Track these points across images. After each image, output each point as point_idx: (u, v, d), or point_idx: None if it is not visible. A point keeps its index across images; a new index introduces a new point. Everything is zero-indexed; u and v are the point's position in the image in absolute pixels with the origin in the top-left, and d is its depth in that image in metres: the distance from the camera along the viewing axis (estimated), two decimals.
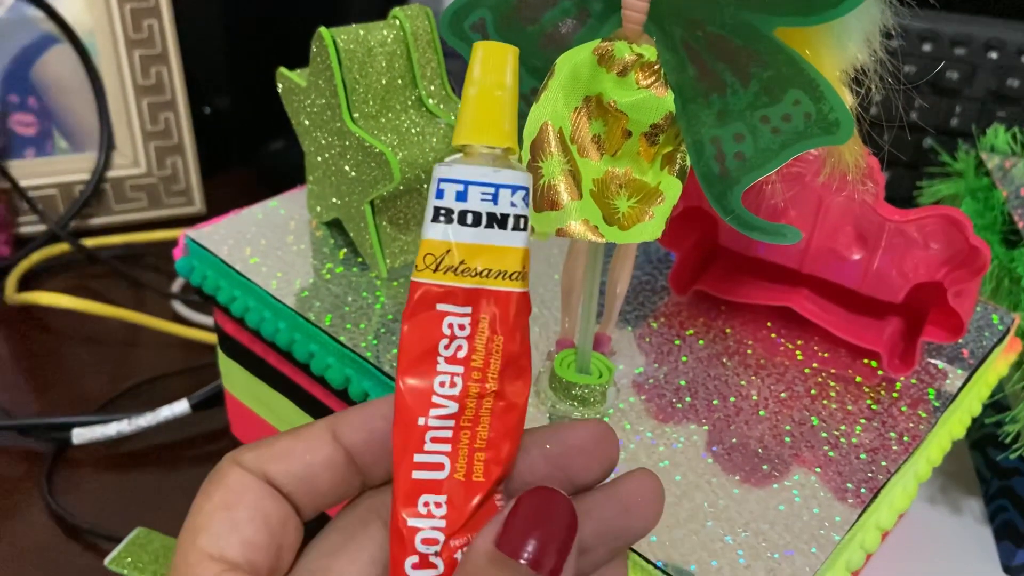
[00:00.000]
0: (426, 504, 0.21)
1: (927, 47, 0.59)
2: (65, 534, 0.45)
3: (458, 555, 0.21)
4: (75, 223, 0.67)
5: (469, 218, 0.20)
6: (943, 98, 0.60)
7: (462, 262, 0.20)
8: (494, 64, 0.21)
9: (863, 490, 0.30)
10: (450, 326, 0.21)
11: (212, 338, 0.57)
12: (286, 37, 0.61)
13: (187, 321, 0.59)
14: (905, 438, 0.32)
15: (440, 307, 0.21)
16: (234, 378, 0.44)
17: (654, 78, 0.26)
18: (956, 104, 0.59)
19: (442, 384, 0.21)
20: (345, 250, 0.40)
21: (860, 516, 0.29)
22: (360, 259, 0.40)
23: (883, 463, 0.31)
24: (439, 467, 0.21)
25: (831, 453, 0.31)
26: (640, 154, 0.27)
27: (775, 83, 0.25)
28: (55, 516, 0.45)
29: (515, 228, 0.21)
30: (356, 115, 0.36)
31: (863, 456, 0.31)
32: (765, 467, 0.31)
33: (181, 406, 0.49)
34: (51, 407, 0.53)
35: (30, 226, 0.66)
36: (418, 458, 0.21)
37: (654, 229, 0.26)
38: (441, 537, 0.21)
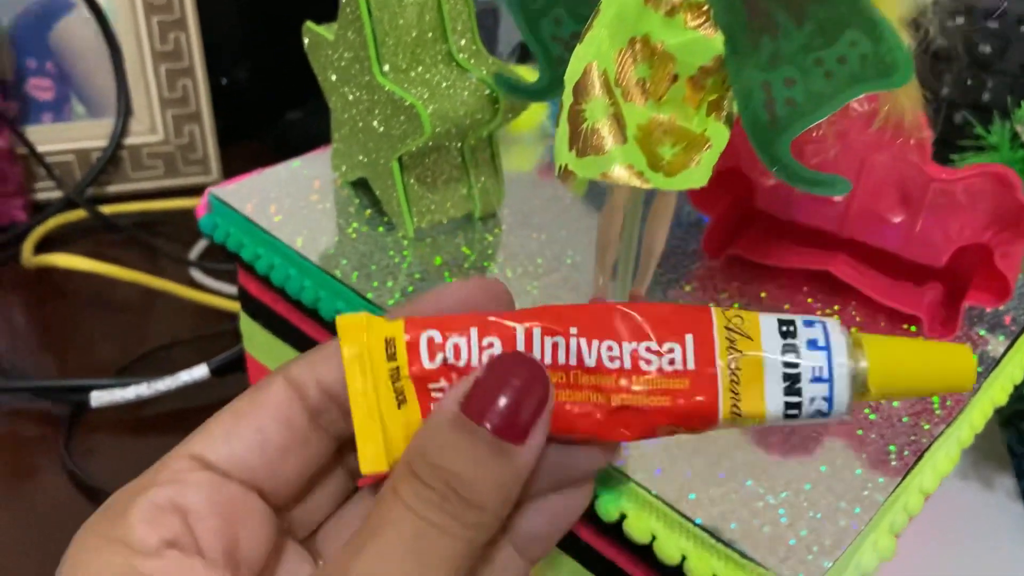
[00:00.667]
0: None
1: (960, 20, 0.58)
2: (83, 495, 0.45)
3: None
4: (91, 190, 0.66)
5: (789, 353, 0.21)
6: (975, 72, 0.58)
7: (742, 352, 0.21)
8: (947, 380, 0.22)
9: (906, 452, 0.29)
10: (670, 349, 0.21)
11: (229, 305, 0.56)
12: (305, 7, 0.60)
13: (204, 289, 0.59)
14: (948, 402, 0.31)
15: (687, 337, 0.21)
16: (256, 340, 0.43)
17: (703, 19, 0.25)
18: (988, 79, 0.58)
19: (609, 348, 0.21)
20: (371, 210, 0.39)
21: (904, 478, 0.28)
22: (386, 219, 0.39)
23: (926, 427, 0.30)
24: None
25: (872, 416, 0.30)
26: (686, 100, 0.26)
27: (831, 23, 0.24)
28: (73, 478, 0.45)
29: (787, 407, 0.21)
30: (386, 68, 0.35)
31: (905, 419, 0.30)
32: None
33: (200, 371, 0.48)
34: (67, 371, 0.52)
35: (46, 192, 0.66)
36: (535, 331, 0.21)
37: (700, 176, 0.25)
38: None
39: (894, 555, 0.28)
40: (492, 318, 0.21)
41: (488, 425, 0.19)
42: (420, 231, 0.38)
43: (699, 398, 0.21)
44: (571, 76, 0.25)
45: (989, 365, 0.33)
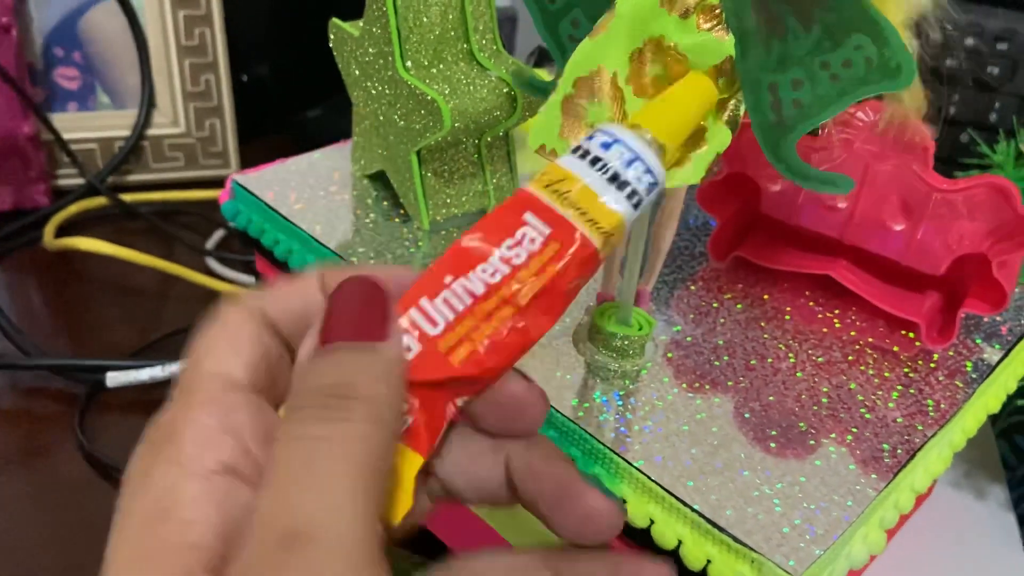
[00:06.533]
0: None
1: (970, 41, 0.59)
2: (96, 473, 0.46)
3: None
4: (112, 179, 0.68)
5: (599, 165, 0.22)
6: (982, 93, 0.59)
7: (568, 191, 0.22)
8: (703, 96, 0.25)
9: (899, 451, 0.30)
10: (523, 234, 0.22)
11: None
12: (327, 7, 0.61)
13: (220, 278, 0.60)
14: (942, 405, 0.32)
15: (527, 216, 0.22)
16: None
17: (715, 21, 0.26)
18: (996, 99, 0.59)
19: (484, 270, 0.22)
20: (387, 202, 0.41)
21: (895, 476, 0.29)
22: (402, 211, 0.40)
23: (919, 427, 0.31)
24: (433, 323, 0.22)
25: (868, 416, 0.31)
26: None
27: (838, 27, 0.25)
28: (87, 456, 0.46)
29: (628, 198, 0.22)
30: (408, 64, 0.36)
31: (899, 420, 0.31)
32: (802, 425, 0.31)
33: None
34: (83, 353, 0.53)
35: (68, 179, 0.67)
36: (423, 303, 0.22)
37: (692, 174, 0.26)
38: None
39: (883, 549, 0.29)
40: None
41: (344, 337, 0.20)
42: (435, 224, 0.39)
43: (572, 246, 0.23)
44: (574, 67, 0.26)
45: (984, 372, 0.34)
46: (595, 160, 0.23)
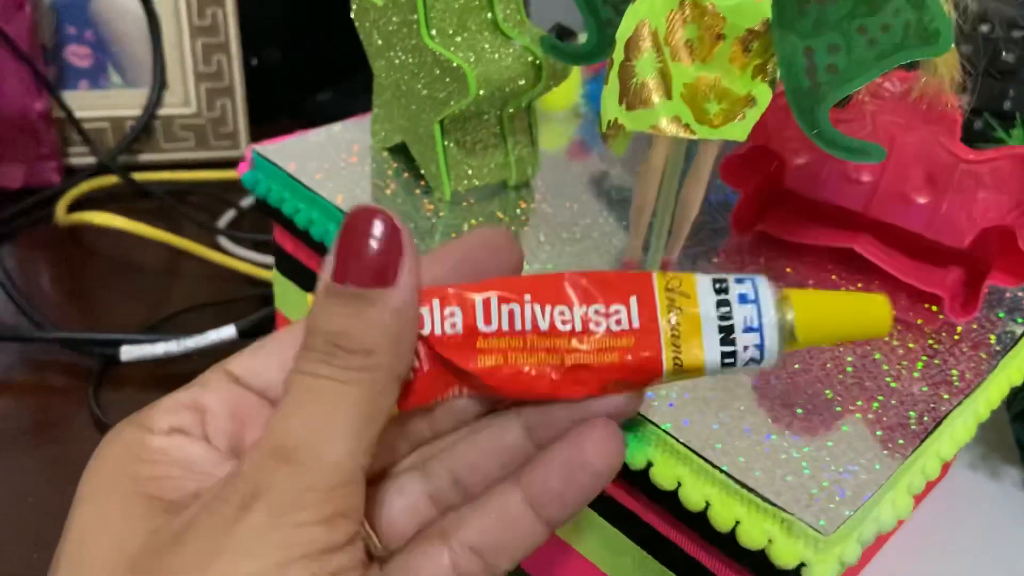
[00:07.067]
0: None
1: (984, 28, 0.59)
2: None
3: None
4: (123, 158, 0.68)
5: (724, 310, 0.22)
6: (997, 80, 0.60)
7: (680, 309, 0.23)
8: (870, 326, 0.23)
9: (925, 418, 0.30)
10: (616, 311, 0.23)
11: (256, 272, 0.57)
12: None
13: (232, 257, 0.60)
14: (967, 375, 0.32)
15: (631, 299, 0.23)
16: (289, 299, 0.44)
17: None
18: (1010, 87, 0.59)
19: (561, 313, 0.23)
20: (408, 173, 0.41)
21: (922, 441, 0.29)
22: (423, 182, 0.40)
23: (945, 396, 0.31)
24: (488, 321, 0.23)
25: (893, 384, 0.31)
26: (731, 61, 0.27)
27: None
28: (100, 428, 0.46)
29: (723, 356, 0.22)
30: (433, 32, 0.36)
31: (924, 389, 0.31)
32: (828, 393, 0.31)
33: (228, 331, 0.49)
34: (94, 328, 0.53)
35: (79, 157, 0.67)
36: (492, 300, 0.23)
37: (743, 128, 0.26)
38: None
39: (910, 514, 0.29)
40: (452, 290, 0.23)
41: (353, 280, 0.21)
42: (456, 195, 0.39)
43: (645, 353, 0.22)
44: (623, 33, 0.26)
45: (1007, 344, 0.34)
46: (724, 303, 0.22)
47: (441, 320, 0.22)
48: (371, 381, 0.21)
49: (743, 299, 0.22)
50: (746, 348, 0.22)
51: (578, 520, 0.34)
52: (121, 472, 0.21)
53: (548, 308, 0.23)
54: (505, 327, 0.23)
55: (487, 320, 0.22)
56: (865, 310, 0.23)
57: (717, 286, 0.23)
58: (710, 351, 0.22)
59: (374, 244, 0.21)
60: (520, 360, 0.23)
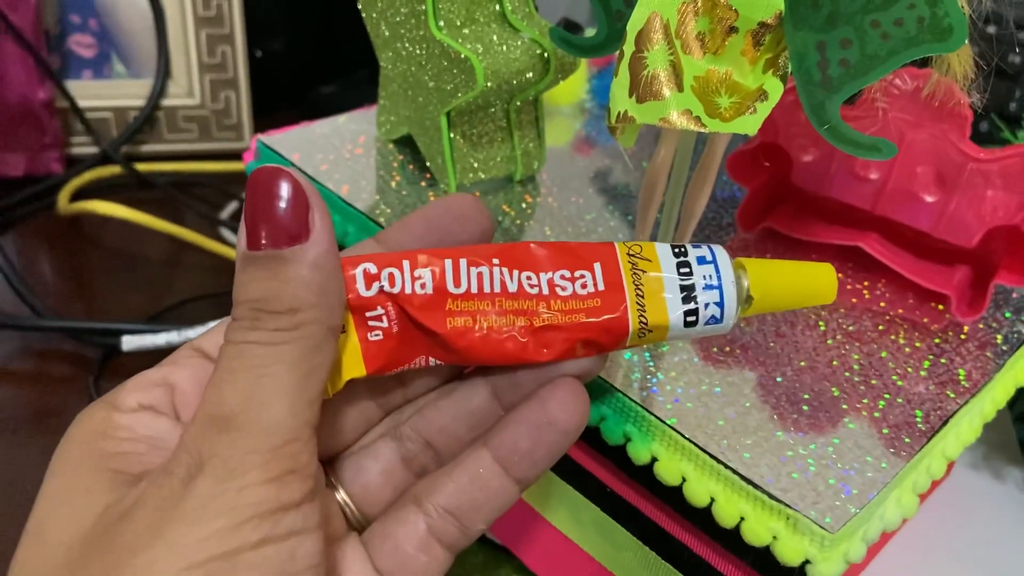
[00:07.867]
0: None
1: (991, 29, 0.59)
2: None
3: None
4: (126, 148, 0.67)
5: (684, 271, 0.23)
6: (1003, 81, 0.59)
7: (644, 272, 0.24)
8: (818, 292, 0.25)
9: (932, 417, 0.30)
10: (581, 276, 0.24)
11: None
12: None
13: (235, 248, 0.59)
14: (974, 375, 0.32)
15: (595, 265, 0.24)
16: None
17: None
18: (1016, 88, 0.59)
19: (528, 277, 0.24)
20: (413, 165, 0.40)
21: (929, 440, 0.29)
22: (428, 175, 0.40)
23: (951, 395, 0.31)
24: (457, 283, 0.23)
25: (900, 383, 0.31)
26: (743, 54, 0.27)
27: None
28: None
29: (686, 315, 0.23)
30: (441, 23, 0.36)
31: (931, 387, 0.31)
32: (834, 390, 0.31)
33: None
34: (95, 317, 0.53)
35: (81, 147, 0.67)
36: (462, 263, 0.23)
37: (754, 122, 0.26)
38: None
39: (915, 513, 0.29)
40: (421, 255, 0.23)
41: (268, 244, 0.21)
42: (462, 187, 0.39)
43: (612, 314, 0.23)
44: (634, 24, 0.26)
45: (1014, 344, 0.34)
46: (684, 264, 0.23)
47: (412, 280, 0.23)
48: (302, 337, 0.21)
49: (701, 260, 0.23)
50: (707, 306, 0.23)
51: (582, 516, 0.34)
52: (88, 448, 0.21)
53: (516, 272, 0.23)
54: (474, 289, 0.23)
55: (456, 282, 0.23)
56: (814, 276, 0.25)
57: (676, 251, 0.24)
58: (673, 310, 0.23)
59: (281, 204, 0.21)
60: (489, 322, 0.23)
